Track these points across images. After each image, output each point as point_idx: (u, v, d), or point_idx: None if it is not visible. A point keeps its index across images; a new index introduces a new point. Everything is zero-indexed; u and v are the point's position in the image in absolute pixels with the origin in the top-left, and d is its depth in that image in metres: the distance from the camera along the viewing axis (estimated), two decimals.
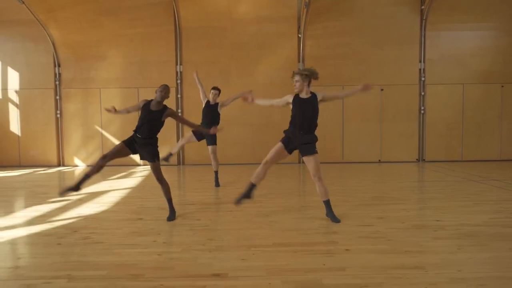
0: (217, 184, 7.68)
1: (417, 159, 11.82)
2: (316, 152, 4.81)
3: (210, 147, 7.69)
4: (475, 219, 4.88)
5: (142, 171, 10.66)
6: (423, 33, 11.63)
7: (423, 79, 11.74)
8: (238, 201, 4.92)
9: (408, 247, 3.83)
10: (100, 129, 11.68)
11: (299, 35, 11.57)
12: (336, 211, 5.15)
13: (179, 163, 11.89)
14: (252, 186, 4.90)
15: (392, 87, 11.66)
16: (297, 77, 4.87)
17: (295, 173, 9.98)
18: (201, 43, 11.55)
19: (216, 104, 7.61)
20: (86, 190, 7.42)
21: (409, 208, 5.59)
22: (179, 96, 11.68)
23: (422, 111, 11.78)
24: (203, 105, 7.69)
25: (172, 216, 5.06)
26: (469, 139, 11.71)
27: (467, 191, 6.89)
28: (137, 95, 11.57)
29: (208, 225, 4.79)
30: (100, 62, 11.51)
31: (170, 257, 3.59)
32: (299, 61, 11.68)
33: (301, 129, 4.80)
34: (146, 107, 5.06)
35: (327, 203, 4.91)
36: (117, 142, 11.63)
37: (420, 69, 11.73)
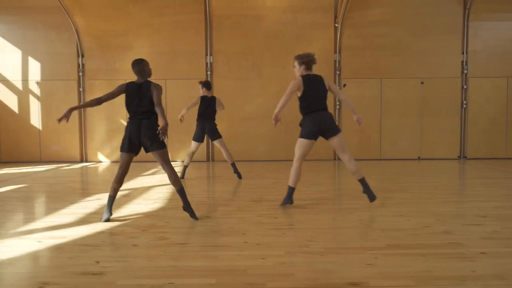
0: (240, 176, 7.47)
1: (458, 156, 11.27)
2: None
3: (216, 142, 7.35)
4: None
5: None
6: (466, 23, 11.08)
7: (465, 71, 11.18)
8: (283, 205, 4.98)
9: None
10: (125, 123, 11.06)
11: (336, 25, 11.01)
12: (432, 208, 4.70)
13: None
14: (293, 190, 4.96)
15: (433, 80, 11.11)
16: (294, 63, 5.10)
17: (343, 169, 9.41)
18: (232, 33, 10.99)
19: (212, 98, 7.35)
20: (125, 186, 6.85)
21: (504, 205, 5.02)
22: None
23: (464, 106, 11.23)
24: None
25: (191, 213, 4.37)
26: None
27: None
28: (165, 87, 10.99)
29: (293, 224, 4.21)
30: (126, 53, 10.93)
31: (279, 262, 3.02)
32: (335, 52, 11.13)
33: (321, 106, 4.84)
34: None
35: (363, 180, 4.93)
36: None
37: (462, 61, 11.17)
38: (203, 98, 7.36)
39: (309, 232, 3.85)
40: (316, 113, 4.81)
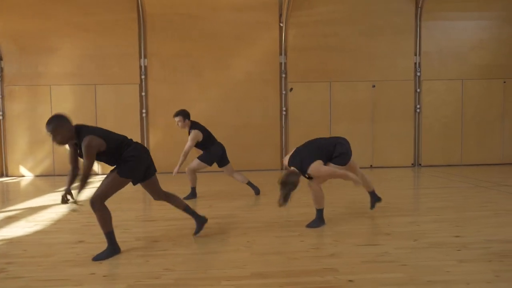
0: (257, 191, 7.00)
1: (412, 164, 11.23)
2: None
3: (224, 169, 6.94)
4: (502, 234, 4.19)
5: (98, 180, 9.68)
6: (418, 23, 11.09)
7: (418, 74, 11.18)
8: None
9: (430, 274, 3.09)
10: None
11: (281, 24, 10.87)
12: (330, 226, 4.54)
13: None
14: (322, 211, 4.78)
15: (384, 83, 11.06)
16: None
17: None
18: (169, 33, 10.70)
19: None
20: (23, 204, 6.47)
21: (419, 220, 4.89)
22: (143, 94, 10.77)
23: (418, 110, 11.21)
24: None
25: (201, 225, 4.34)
26: (469, 141, 11.19)
27: (480, 198, 6.25)
28: (95, 93, 10.63)
29: (167, 248, 3.94)
30: (50, 55, 10.51)
31: None
32: (280, 54, 10.97)
33: None
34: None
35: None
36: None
37: (415, 63, 11.16)
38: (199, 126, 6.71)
39: (178, 259, 3.59)
40: None
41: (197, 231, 4.34)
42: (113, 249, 3.72)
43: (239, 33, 10.82)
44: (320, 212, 4.74)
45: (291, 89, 10.96)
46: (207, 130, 6.74)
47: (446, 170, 10.36)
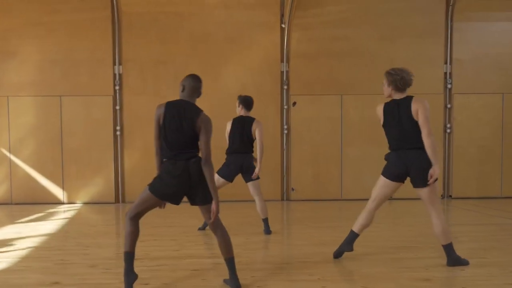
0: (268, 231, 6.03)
1: (442, 195, 9.59)
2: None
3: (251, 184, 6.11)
4: None
5: (66, 211, 8.30)
6: (449, 24, 9.54)
7: (449, 86, 9.60)
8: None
9: None
10: (7, 153, 9.25)
11: (282, 25, 9.38)
12: (357, 267, 4.33)
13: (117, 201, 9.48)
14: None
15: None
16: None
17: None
18: (149, 35, 9.34)
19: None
20: None
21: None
22: (117, 107, 9.34)
23: (448, 130, 9.60)
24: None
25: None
26: (510, 168, 9.60)
27: None
28: (60, 106, 9.25)
29: None
30: (8, 61, 9.19)
31: None
32: (282, 61, 9.48)
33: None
34: None
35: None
36: (30, 169, 9.26)
37: (445, 73, 9.63)
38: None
39: None
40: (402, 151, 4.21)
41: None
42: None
43: (232, 35, 9.47)
44: None
45: (294, 103, 9.49)
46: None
47: (482, 203, 8.94)
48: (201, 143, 3.47)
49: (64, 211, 8.39)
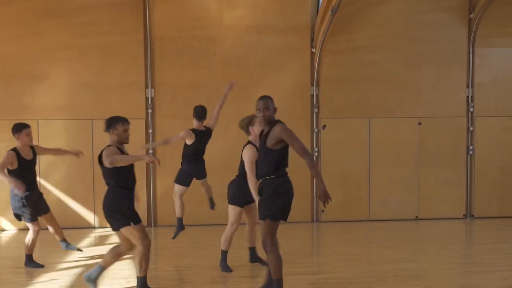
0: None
1: (464, 215, 10.38)
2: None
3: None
4: None
5: (98, 235, 8.67)
6: (471, 50, 10.29)
7: (471, 109, 10.37)
8: None
9: None
10: (37, 177, 9.52)
11: (313, 50, 9.96)
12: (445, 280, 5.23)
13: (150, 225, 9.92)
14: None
15: (432, 120, 10.23)
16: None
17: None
18: (181, 60, 9.76)
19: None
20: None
21: None
22: (150, 131, 9.78)
23: (471, 152, 10.39)
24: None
25: None
26: None
27: None
28: (92, 129, 9.60)
29: None
30: (38, 84, 9.48)
31: None
32: (312, 85, 10.06)
33: None
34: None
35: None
36: (61, 194, 9.60)
37: (467, 97, 10.38)
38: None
39: None
40: None
41: None
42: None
43: (263, 59, 9.99)
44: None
45: (324, 127, 10.05)
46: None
47: (504, 222, 9.77)
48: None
49: (95, 236, 8.80)
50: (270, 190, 4.46)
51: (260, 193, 4.62)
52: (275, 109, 4.54)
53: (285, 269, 5.54)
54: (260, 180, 4.62)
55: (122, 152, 4.88)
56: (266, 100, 4.48)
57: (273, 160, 4.44)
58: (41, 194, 6.74)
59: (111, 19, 9.53)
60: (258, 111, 4.46)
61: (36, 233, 6.39)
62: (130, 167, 4.86)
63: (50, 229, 6.75)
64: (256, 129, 5.57)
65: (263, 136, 4.56)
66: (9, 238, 8.95)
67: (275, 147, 4.42)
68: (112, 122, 4.89)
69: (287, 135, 4.32)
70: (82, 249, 7.16)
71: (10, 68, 9.47)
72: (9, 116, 9.49)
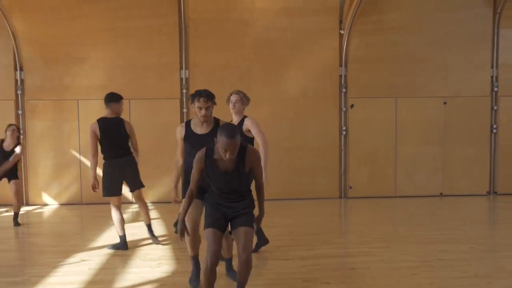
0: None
1: (487, 192, 10.78)
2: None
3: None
4: None
5: (135, 210, 9.16)
6: (495, 31, 10.60)
7: (495, 89, 10.71)
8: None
9: None
10: (78, 155, 10.09)
11: (341, 31, 10.32)
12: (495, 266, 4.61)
13: None
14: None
15: (457, 100, 10.58)
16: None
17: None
18: (214, 41, 10.15)
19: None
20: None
21: None
22: (185, 110, 10.21)
23: (494, 130, 10.75)
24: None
25: None
26: None
27: None
28: (129, 109, 10.04)
29: None
30: (79, 65, 9.95)
31: None
32: (340, 65, 10.44)
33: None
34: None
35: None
36: (99, 171, 10.05)
37: (492, 77, 10.71)
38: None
39: None
40: None
41: None
42: None
43: (293, 41, 10.34)
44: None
45: (352, 106, 10.45)
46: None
47: None
48: None
49: (133, 211, 9.28)
50: None
51: None
52: None
53: (320, 250, 5.88)
54: None
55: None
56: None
57: None
58: None
59: (149, 3, 9.95)
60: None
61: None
62: None
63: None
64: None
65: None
66: (51, 213, 9.43)
67: None
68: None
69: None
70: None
71: (52, 50, 9.93)
72: (51, 96, 10.06)
